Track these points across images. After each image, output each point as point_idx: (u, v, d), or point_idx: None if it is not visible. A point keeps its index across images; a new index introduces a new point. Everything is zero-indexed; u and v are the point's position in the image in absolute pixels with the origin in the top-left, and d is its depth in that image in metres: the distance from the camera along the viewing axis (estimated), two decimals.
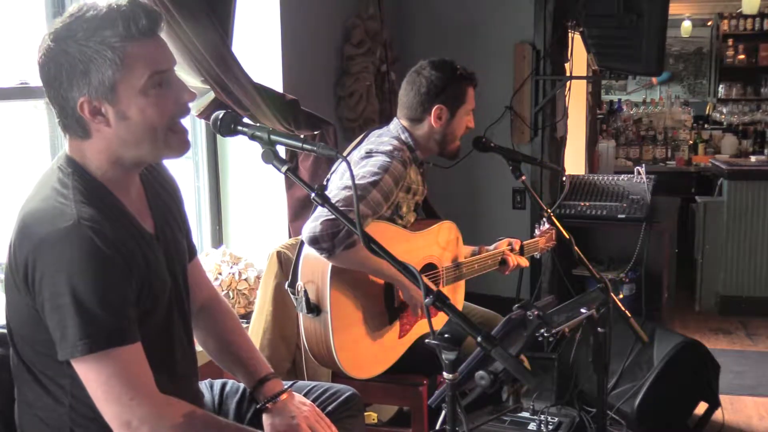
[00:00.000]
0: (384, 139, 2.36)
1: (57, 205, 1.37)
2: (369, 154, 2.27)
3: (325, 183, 2.37)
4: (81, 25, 1.36)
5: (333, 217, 1.97)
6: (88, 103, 1.38)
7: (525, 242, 2.69)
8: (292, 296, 2.25)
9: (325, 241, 2.02)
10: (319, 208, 2.05)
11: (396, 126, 2.44)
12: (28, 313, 1.39)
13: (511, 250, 2.60)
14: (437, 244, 2.44)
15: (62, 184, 1.41)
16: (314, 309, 2.14)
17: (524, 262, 2.63)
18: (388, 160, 2.23)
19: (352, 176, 1.52)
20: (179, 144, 1.48)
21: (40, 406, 1.46)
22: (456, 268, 2.47)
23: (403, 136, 2.41)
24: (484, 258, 2.54)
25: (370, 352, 2.24)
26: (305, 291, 2.16)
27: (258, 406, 1.69)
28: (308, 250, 2.18)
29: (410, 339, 2.36)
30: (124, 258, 1.39)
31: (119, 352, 1.35)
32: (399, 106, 2.46)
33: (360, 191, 2.12)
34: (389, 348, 2.30)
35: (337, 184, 2.22)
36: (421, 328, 2.39)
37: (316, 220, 2.04)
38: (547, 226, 2.78)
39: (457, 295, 2.55)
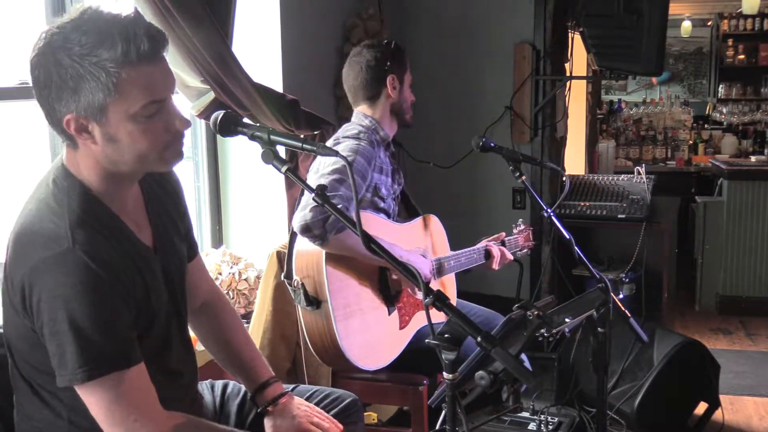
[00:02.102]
0: (348, 127, 2.43)
1: (51, 227, 1.33)
2: (336, 141, 2.35)
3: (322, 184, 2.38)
4: (79, 38, 1.29)
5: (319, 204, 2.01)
6: (74, 121, 1.33)
7: (506, 238, 2.73)
8: (289, 287, 2.26)
9: (316, 228, 2.04)
10: (306, 196, 2.09)
11: (356, 116, 2.50)
12: (26, 333, 1.38)
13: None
14: (424, 236, 2.48)
15: (57, 201, 1.37)
16: (314, 301, 2.15)
17: (508, 255, 2.66)
18: (356, 142, 2.30)
19: (353, 178, 1.52)
20: (173, 156, 1.43)
21: (39, 418, 1.45)
22: (445, 260, 2.49)
23: (366, 121, 2.46)
24: (469, 252, 2.57)
25: (374, 342, 2.25)
26: (302, 284, 2.17)
27: (258, 410, 1.69)
28: (299, 246, 2.20)
29: (411, 331, 2.37)
30: (122, 280, 1.36)
31: (120, 376, 1.34)
32: (353, 93, 2.50)
33: (337, 176, 2.14)
34: (392, 339, 2.31)
35: (315, 177, 2.23)
36: (419, 319, 2.40)
37: (304, 209, 2.06)
38: (522, 226, 2.82)
39: (447, 290, 2.56)
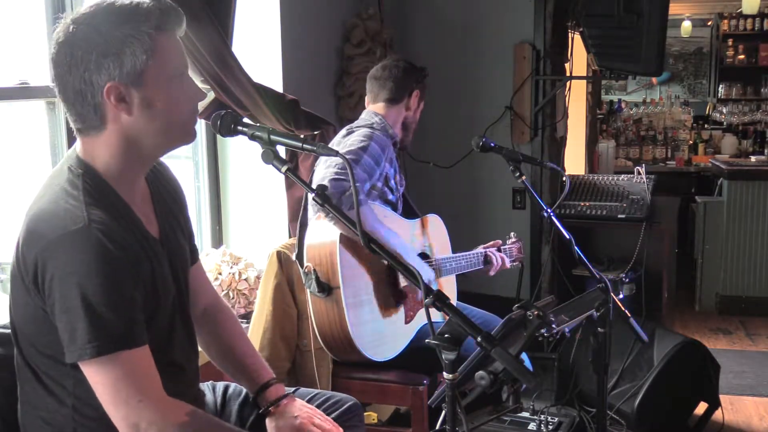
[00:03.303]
0: (359, 123, 2.48)
1: (67, 207, 1.36)
2: (350, 130, 2.40)
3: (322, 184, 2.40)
4: (113, 12, 1.37)
5: (339, 177, 2.10)
6: (115, 89, 1.37)
7: (503, 246, 2.76)
8: (300, 270, 2.28)
9: (333, 197, 2.08)
10: (321, 170, 2.18)
11: (367, 113, 2.55)
12: (35, 314, 1.39)
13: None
14: (429, 235, 2.49)
15: (72, 184, 1.40)
16: (325, 288, 2.17)
17: (507, 263, 2.70)
18: (370, 130, 2.37)
19: (353, 177, 1.52)
20: (192, 131, 1.51)
21: (43, 406, 1.46)
22: (445, 261, 2.50)
23: (376, 119, 2.51)
24: (469, 255, 2.60)
25: (381, 333, 2.27)
26: (314, 270, 2.18)
27: (260, 411, 1.69)
28: (310, 240, 2.22)
29: (415, 326, 2.39)
30: (132, 262, 1.38)
31: (127, 355, 1.35)
32: (375, 89, 2.56)
33: (353, 156, 2.22)
34: (398, 332, 2.33)
35: (323, 168, 2.25)
36: (423, 315, 2.40)
37: (322, 181, 2.11)
38: (514, 239, 2.86)
39: (446, 290, 2.57)
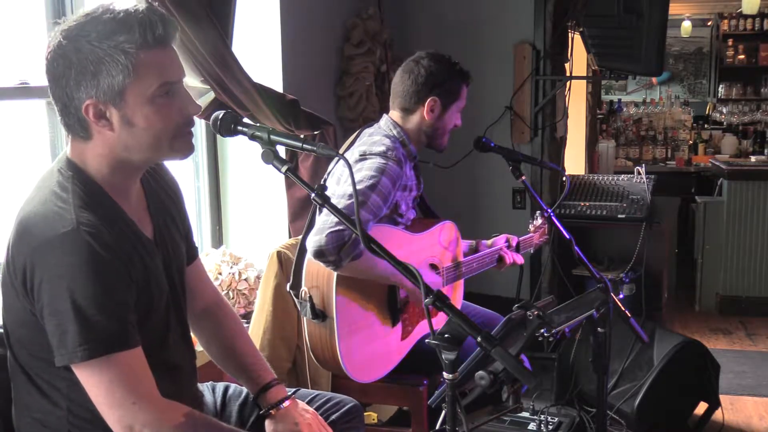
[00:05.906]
0: (375, 138, 2.30)
1: (56, 210, 1.36)
2: (363, 157, 2.23)
3: (322, 184, 2.37)
4: (96, 26, 1.35)
5: (337, 228, 1.98)
6: (93, 107, 1.37)
7: (521, 239, 2.70)
8: (295, 299, 2.24)
9: (331, 254, 1.99)
10: (322, 218, 2.04)
11: (386, 122, 2.40)
12: (25, 317, 1.39)
13: (508, 246, 2.62)
14: (438, 244, 2.44)
15: (62, 187, 1.40)
16: (320, 315, 2.14)
17: (519, 260, 2.64)
18: (383, 161, 2.19)
19: (353, 180, 1.52)
20: (184, 147, 1.48)
21: (38, 409, 1.45)
22: (456, 267, 2.47)
23: (395, 132, 2.37)
24: (482, 257, 2.55)
25: (375, 356, 2.24)
26: (310, 296, 2.16)
27: (261, 413, 1.69)
28: (310, 257, 2.18)
29: (412, 340, 2.36)
30: (123, 263, 1.38)
31: (120, 357, 1.35)
32: (392, 95, 2.42)
33: (360, 196, 2.09)
34: (393, 350, 2.30)
35: (335, 190, 2.20)
36: (422, 328, 2.39)
37: (320, 233, 2.00)
38: (539, 221, 2.76)
39: (455, 293, 2.56)
